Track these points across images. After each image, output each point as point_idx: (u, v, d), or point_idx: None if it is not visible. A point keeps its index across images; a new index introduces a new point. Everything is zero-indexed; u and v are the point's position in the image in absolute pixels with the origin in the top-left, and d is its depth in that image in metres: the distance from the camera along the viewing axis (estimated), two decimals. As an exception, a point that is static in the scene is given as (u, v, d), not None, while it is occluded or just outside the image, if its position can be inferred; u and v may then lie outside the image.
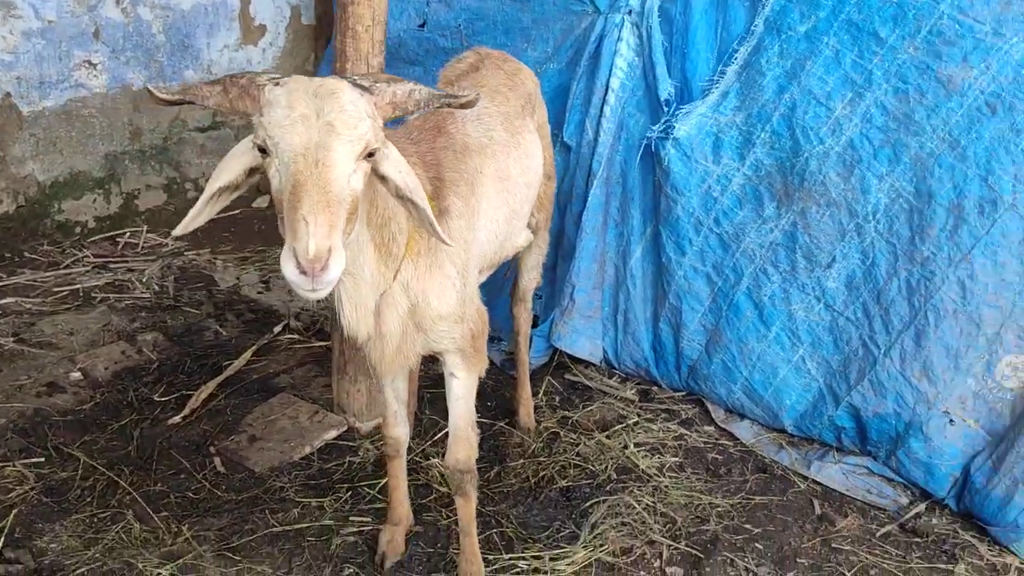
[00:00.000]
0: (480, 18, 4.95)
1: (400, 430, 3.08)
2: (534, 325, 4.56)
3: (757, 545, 3.32)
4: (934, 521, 3.50)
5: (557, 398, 4.24)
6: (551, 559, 3.17)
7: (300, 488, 3.45)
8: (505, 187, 2.94)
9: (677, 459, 3.82)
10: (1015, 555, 3.34)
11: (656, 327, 4.32)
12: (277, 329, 4.63)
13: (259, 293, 5.11)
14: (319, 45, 6.53)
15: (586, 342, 4.40)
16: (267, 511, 3.30)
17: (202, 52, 5.90)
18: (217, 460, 3.58)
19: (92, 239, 5.58)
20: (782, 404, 3.95)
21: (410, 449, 3.70)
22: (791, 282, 3.83)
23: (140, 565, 2.98)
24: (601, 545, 3.24)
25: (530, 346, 4.31)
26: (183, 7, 5.71)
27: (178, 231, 2.16)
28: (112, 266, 5.25)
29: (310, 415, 3.86)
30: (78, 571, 2.95)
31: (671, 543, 3.28)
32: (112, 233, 5.70)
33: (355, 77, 2.07)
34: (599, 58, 4.28)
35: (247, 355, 4.32)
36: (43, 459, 3.48)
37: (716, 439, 4.01)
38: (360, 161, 1.98)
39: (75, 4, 5.22)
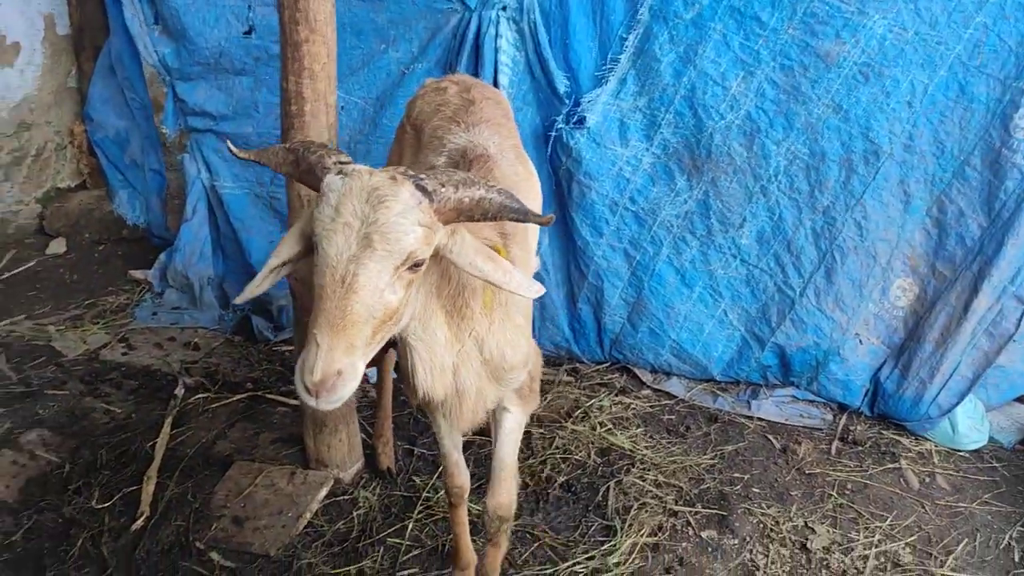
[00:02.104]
0: (317, 20, 4.65)
1: (463, 479, 3.00)
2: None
3: (755, 490, 3.70)
4: (859, 428, 4.12)
5: (504, 397, 4.28)
6: (602, 555, 3.30)
7: (327, 559, 3.22)
8: (531, 225, 2.95)
9: (641, 429, 4.09)
10: (931, 441, 4.05)
11: (574, 308, 4.51)
12: (180, 392, 4.15)
13: (124, 355, 4.51)
14: (83, 57, 5.70)
15: (515, 336, 4.47)
16: (314, 593, 3.07)
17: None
18: (216, 556, 3.21)
19: None
20: (710, 356, 4.35)
21: (413, 487, 3.61)
22: (708, 245, 4.20)
23: None
24: (639, 530, 3.42)
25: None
26: (-77, 33, 4.71)
27: (238, 300, 2.17)
28: (-85, 360, 4.33)
29: (287, 478, 3.57)
30: None
31: (691, 509, 3.55)
32: None
33: (421, 177, 1.93)
34: (480, 56, 4.27)
35: (167, 430, 3.85)
36: (9, 615, 2.90)
37: (657, 400, 4.33)
38: (402, 272, 1.90)
39: None
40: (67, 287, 5.19)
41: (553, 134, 4.24)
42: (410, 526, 3.39)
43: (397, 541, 3.33)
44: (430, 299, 2.21)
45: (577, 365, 4.57)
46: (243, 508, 3.42)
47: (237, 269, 5.20)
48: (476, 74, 4.30)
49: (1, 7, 5.14)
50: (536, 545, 3.36)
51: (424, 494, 3.56)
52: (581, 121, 4.14)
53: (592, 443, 3.95)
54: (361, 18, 4.60)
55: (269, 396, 4.18)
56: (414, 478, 3.68)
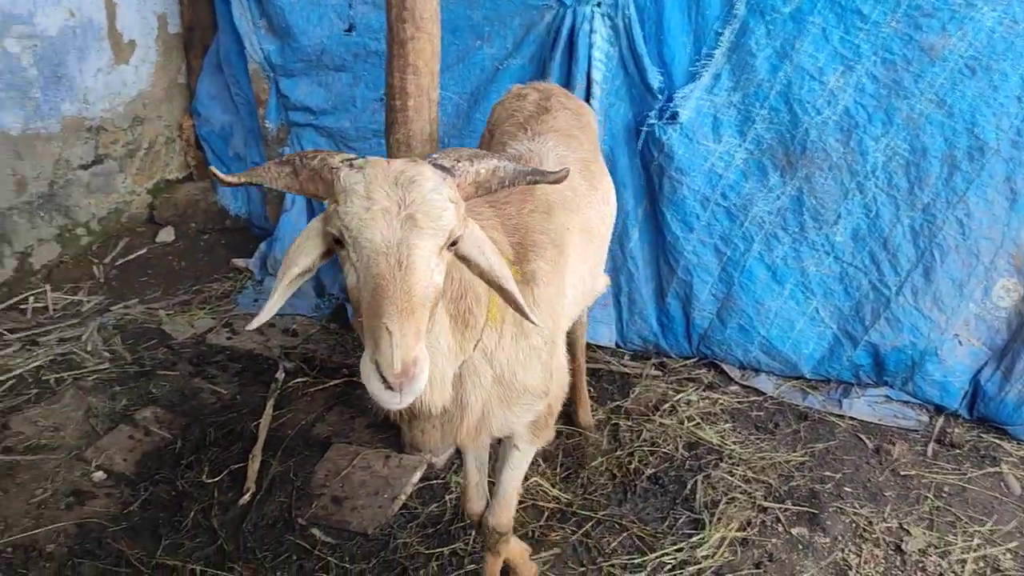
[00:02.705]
0: (413, 16, 4.77)
1: (479, 506, 2.96)
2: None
3: (847, 489, 3.66)
4: (957, 430, 4.02)
5: (593, 389, 4.33)
6: (690, 547, 3.32)
7: (422, 539, 3.33)
8: (589, 239, 2.83)
9: (729, 424, 4.08)
10: (1034, 446, 3.94)
11: (662, 303, 4.52)
12: (280, 376, 4.33)
13: (228, 339, 4.72)
14: (192, 55, 5.96)
15: (605, 329, 4.53)
16: (410, 570, 3.17)
17: (75, 80, 5.21)
18: (317, 532, 3.36)
19: (-6, 312, 4.86)
20: (800, 354, 4.31)
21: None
22: (801, 241, 4.16)
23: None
24: (728, 524, 3.43)
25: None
26: (50, 33, 5.00)
27: (254, 324, 1.93)
28: (40, 339, 4.62)
29: (382, 461, 3.70)
30: None
31: (781, 506, 3.54)
32: (12, 301, 4.98)
33: (435, 157, 1.93)
34: (575, 51, 4.32)
35: (269, 411, 4.03)
36: (127, 578, 3.10)
37: (745, 396, 4.31)
38: (444, 251, 1.84)
39: (-65, 45, 4.43)
40: (175, 274, 5.46)
41: (645, 129, 4.26)
42: (501, 511, 3.48)
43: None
44: None
45: (665, 359, 4.59)
46: (341, 488, 3.56)
47: (332, 260, 5.36)
48: (569, 70, 4.35)
49: (119, 8, 5.42)
50: (624, 535, 3.40)
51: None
52: (674, 116, 4.15)
53: (680, 437, 3.97)
54: (457, 15, 4.69)
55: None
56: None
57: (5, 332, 4.65)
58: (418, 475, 3.65)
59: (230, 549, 3.25)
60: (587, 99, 4.31)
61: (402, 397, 1.68)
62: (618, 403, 4.20)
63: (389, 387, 1.67)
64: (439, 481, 3.67)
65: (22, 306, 4.97)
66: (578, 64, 4.32)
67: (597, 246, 2.90)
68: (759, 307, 4.31)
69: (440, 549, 3.28)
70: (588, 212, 2.83)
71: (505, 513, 2.78)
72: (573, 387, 4.01)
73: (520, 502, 3.53)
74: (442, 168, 1.86)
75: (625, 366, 4.52)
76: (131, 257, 5.57)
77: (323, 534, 3.36)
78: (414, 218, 1.75)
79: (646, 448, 3.90)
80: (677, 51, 4.27)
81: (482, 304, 2.19)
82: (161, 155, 5.97)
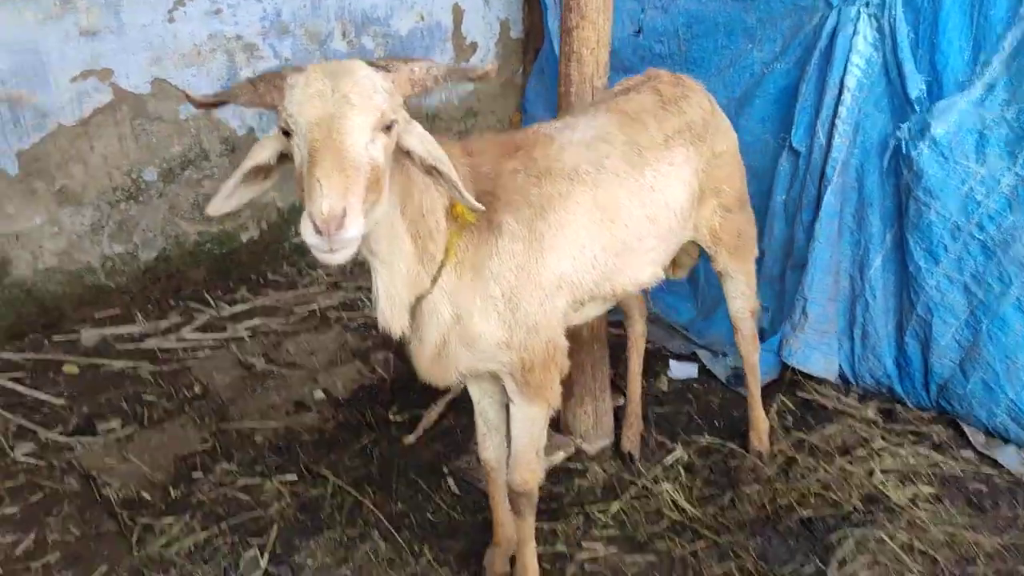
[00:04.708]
0: (699, 21, 4.78)
1: (488, 453, 3.09)
2: (762, 339, 4.35)
3: (1038, 594, 2.97)
4: None
5: (790, 418, 4.01)
6: (797, 598, 3.00)
7: (532, 512, 3.46)
8: (609, 218, 2.74)
9: (932, 489, 3.51)
10: None
11: (900, 341, 3.99)
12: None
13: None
14: (528, 59, 6.59)
15: (820, 358, 4.14)
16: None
17: (419, 75, 6.11)
18: (451, 481, 3.68)
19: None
20: (1058, 429, 3.52)
21: (639, 473, 3.65)
22: (1069, 293, 3.40)
23: (385, 587, 3.11)
24: (853, 587, 3.02)
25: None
26: (401, 33, 5.94)
27: (210, 211, 2.24)
28: (343, 284, 5.55)
29: (537, 436, 3.87)
30: (331, 589, 3.12)
31: (934, 587, 3.00)
32: (343, 253, 6.03)
33: (371, 61, 2.12)
34: (832, 55, 4.00)
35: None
36: (296, 477, 3.71)
37: (977, 466, 3.65)
38: (378, 132, 2.02)
39: (308, 41, 5.56)
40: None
41: (892, 143, 3.80)
42: (615, 506, 3.45)
43: (599, 516, 3.43)
44: (396, 214, 2.27)
45: (896, 406, 4.03)
46: (491, 450, 3.82)
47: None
48: (824, 74, 4.04)
49: (466, 13, 6.21)
50: (733, 565, 3.17)
51: (642, 481, 3.58)
52: (926, 129, 3.65)
53: (860, 487, 3.52)
54: (734, 18, 4.61)
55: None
56: (649, 467, 3.70)
57: (324, 276, 5.68)
58: (561, 455, 3.76)
59: (376, 476, 3.72)
60: (836, 107, 3.97)
61: (331, 245, 1.90)
62: (805, 437, 3.83)
63: (319, 232, 1.88)
64: (579, 466, 3.74)
65: (348, 258, 6.01)
66: (832, 69, 4.00)
67: (625, 228, 2.77)
68: (1010, 363, 3.60)
69: (540, 523, 3.37)
70: (615, 191, 2.74)
71: (518, 472, 2.83)
72: (745, 407, 3.80)
73: (642, 508, 3.47)
74: (376, 66, 2.09)
75: (840, 402, 4.07)
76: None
77: (456, 485, 3.66)
78: (346, 96, 1.99)
79: (814, 489, 3.53)
80: (951, 56, 3.73)
81: (442, 232, 2.39)
82: (491, 145, 6.71)
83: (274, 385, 4.38)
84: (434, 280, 2.45)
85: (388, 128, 2.07)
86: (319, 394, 4.31)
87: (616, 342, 4.03)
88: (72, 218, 4.90)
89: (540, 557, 3.21)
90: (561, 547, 3.29)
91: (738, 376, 4.19)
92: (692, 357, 4.53)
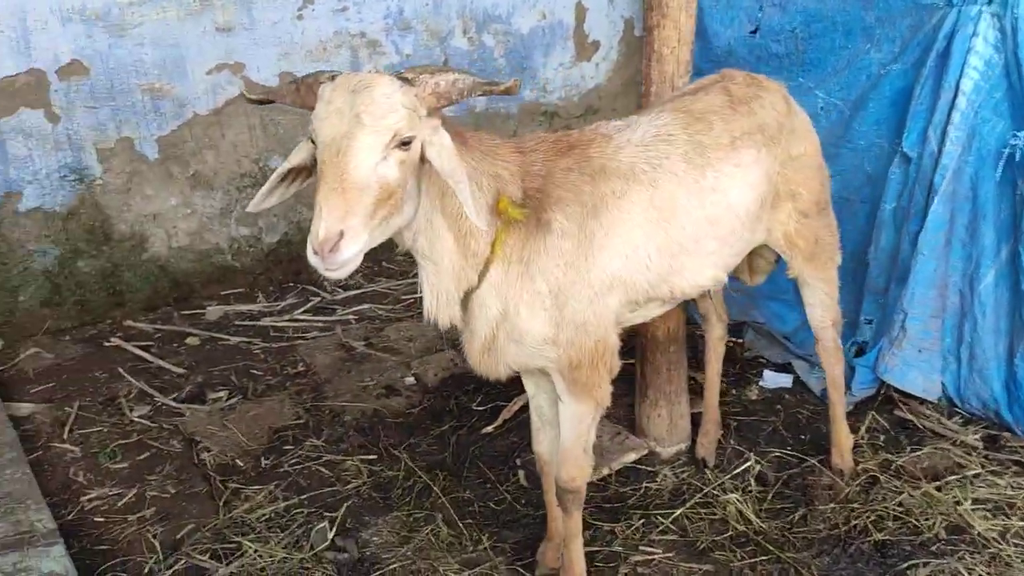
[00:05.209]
0: (817, 19, 4.61)
1: (541, 447, 3.10)
2: (860, 353, 4.17)
3: None
4: None
5: (882, 437, 3.83)
6: (856, 624, 2.87)
7: (594, 510, 3.48)
8: (665, 218, 2.70)
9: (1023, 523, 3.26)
10: None
11: (1011, 364, 3.72)
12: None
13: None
14: (651, 56, 6.53)
15: (919, 376, 3.92)
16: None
17: (538, 72, 6.19)
18: (521, 473, 3.74)
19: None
20: None
21: (706, 480, 3.59)
22: None
23: (441, 569, 3.21)
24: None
25: (852, 377, 3.97)
26: (522, 31, 6.04)
27: (250, 208, 2.42)
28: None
29: (612, 436, 3.87)
30: (391, 566, 3.25)
31: (1007, 628, 2.80)
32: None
33: (401, 71, 2.20)
34: (948, 57, 3.77)
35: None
36: (375, 457, 3.88)
37: (1085, 504, 3.36)
38: (392, 150, 2.11)
39: (429, 38, 5.74)
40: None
41: (1006, 150, 3.55)
42: (677, 512, 3.41)
43: (661, 520, 3.40)
44: (435, 214, 2.36)
45: (1003, 433, 3.76)
46: (565, 446, 3.85)
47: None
48: (940, 77, 3.81)
49: (589, 12, 6.22)
50: (791, 581, 3.08)
51: (709, 489, 3.52)
52: (1034, 137, 3.39)
53: (946, 516, 3.32)
54: (852, 17, 4.41)
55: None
56: (720, 475, 3.63)
57: (435, 266, 5.86)
58: (632, 456, 3.75)
59: (449, 462, 3.83)
60: (949, 113, 3.74)
61: (326, 263, 2.04)
62: (893, 458, 3.64)
63: (316, 253, 2.04)
64: (650, 469, 3.72)
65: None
66: (948, 72, 3.76)
67: (682, 229, 2.74)
68: None
69: (597, 522, 3.39)
70: (672, 190, 2.70)
71: (565, 468, 2.83)
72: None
73: (710, 516, 3.42)
74: (403, 79, 2.17)
75: (940, 424, 3.84)
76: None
77: (524, 477, 3.72)
78: (359, 116, 2.09)
79: (893, 512, 3.36)
80: (1086, 58, 3.44)
81: (482, 231, 2.43)
82: (609, 143, 6.70)
83: (369, 368, 4.58)
84: (481, 276, 2.52)
85: (406, 143, 2.16)
86: (410, 379, 4.47)
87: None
88: (204, 201, 5.29)
89: (594, 556, 3.24)
90: (618, 547, 3.29)
91: (831, 390, 4.04)
92: (788, 368, 4.39)
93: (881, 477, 3.55)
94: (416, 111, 2.17)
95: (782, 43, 4.85)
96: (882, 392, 4.04)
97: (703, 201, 2.77)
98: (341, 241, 2.01)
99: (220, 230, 5.40)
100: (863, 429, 3.84)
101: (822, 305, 3.36)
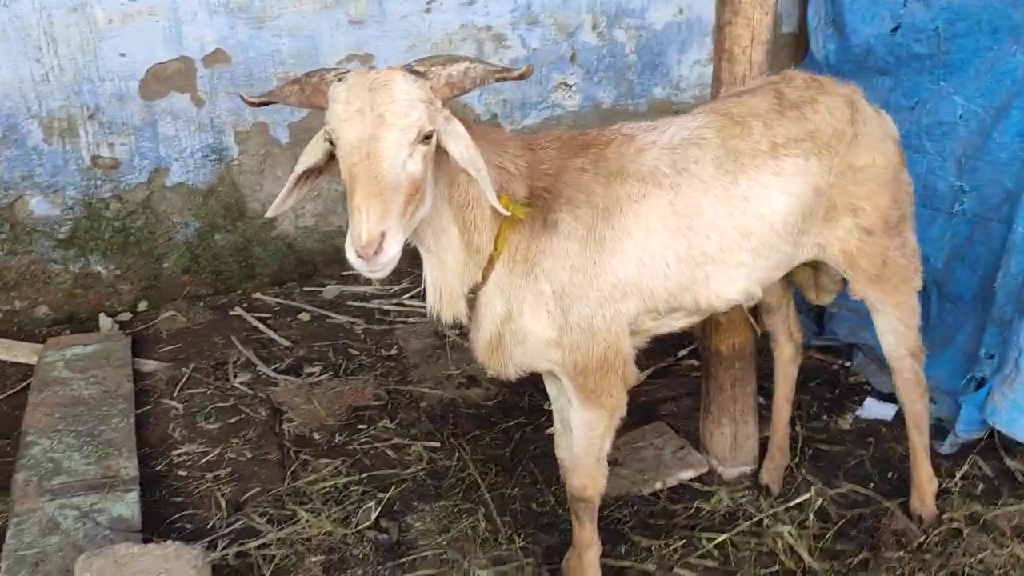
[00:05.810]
0: (962, 17, 4.19)
1: (562, 452, 3.00)
2: (979, 387, 3.75)
3: None
4: None
5: (980, 486, 3.44)
6: None
7: (636, 525, 3.36)
8: (687, 226, 2.55)
9: None
10: None
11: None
12: (683, 353, 4.55)
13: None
14: (799, 54, 6.15)
15: (1028, 422, 3.47)
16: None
17: (672, 69, 6.00)
18: (573, 475, 3.67)
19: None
20: None
21: (760, 508, 3.37)
22: None
23: (469, 562, 3.21)
24: None
25: (959, 416, 3.59)
26: (656, 27, 5.87)
27: (270, 213, 2.41)
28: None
29: (675, 450, 3.72)
30: (423, 553, 3.29)
31: None
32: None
33: (411, 65, 2.19)
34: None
35: (641, 376, 4.31)
36: (439, 445, 3.93)
37: None
38: (416, 145, 2.10)
39: (556, 32, 5.71)
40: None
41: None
42: (723, 537, 3.22)
43: (704, 543, 3.23)
44: (443, 203, 2.33)
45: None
46: (626, 456, 3.73)
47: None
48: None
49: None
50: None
51: (762, 516, 3.29)
52: None
53: (1032, 579, 2.94)
54: (998, 15, 3.99)
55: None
56: (773, 502, 3.39)
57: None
58: (689, 473, 3.58)
59: (506, 458, 3.81)
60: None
61: (370, 266, 2.04)
62: (984, 511, 3.25)
63: (360, 257, 2.03)
64: (707, 488, 3.53)
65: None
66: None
67: (708, 238, 2.57)
68: None
69: (638, 539, 3.27)
70: (697, 197, 2.53)
71: (576, 476, 2.77)
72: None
73: (758, 547, 3.21)
74: (415, 73, 2.16)
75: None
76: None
77: (575, 479, 3.64)
78: (382, 116, 2.08)
79: (969, 571, 3.01)
80: None
81: (488, 224, 2.42)
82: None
83: (456, 358, 4.63)
84: (485, 273, 2.49)
85: (428, 137, 2.16)
86: (491, 372, 4.48)
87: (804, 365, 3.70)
88: (329, 184, 5.54)
89: (624, 571, 3.13)
90: (651, 566, 3.15)
91: (939, 428, 3.67)
92: (894, 398, 4.02)
93: (965, 530, 3.18)
94: (432, 103, 2.17)
95: (924, 43, 4.45)
96: (991, 436, 3.61)
97: (732, 210, 2.59)
98: (383, 242, 2.01)
99: (343, 213, 5.63)
100: (959, 475, 3.46)
101: (894, 332, 3.05)
